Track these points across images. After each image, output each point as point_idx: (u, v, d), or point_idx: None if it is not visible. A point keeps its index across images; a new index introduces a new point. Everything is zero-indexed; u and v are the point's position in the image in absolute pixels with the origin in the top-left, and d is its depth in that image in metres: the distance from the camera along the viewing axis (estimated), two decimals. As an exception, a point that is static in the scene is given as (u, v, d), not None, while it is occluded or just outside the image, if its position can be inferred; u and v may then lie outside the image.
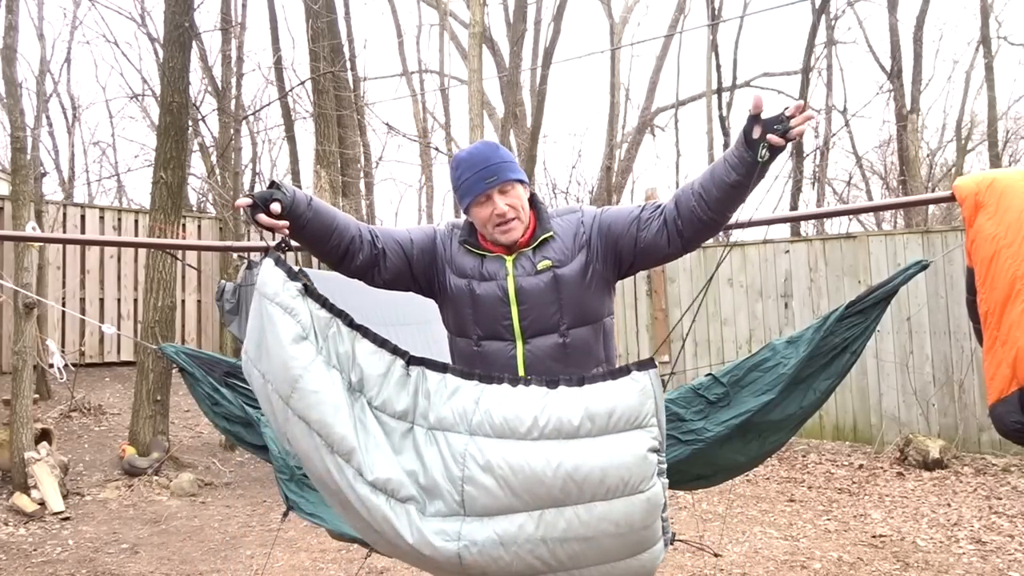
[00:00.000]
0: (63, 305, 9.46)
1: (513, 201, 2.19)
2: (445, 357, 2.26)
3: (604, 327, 2.27)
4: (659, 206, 2.19)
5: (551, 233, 2.23)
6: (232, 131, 10.23)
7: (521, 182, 2.24)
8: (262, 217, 2.01)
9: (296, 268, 2.02)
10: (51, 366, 7.13)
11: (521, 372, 2.18)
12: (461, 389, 1.96)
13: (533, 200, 2.30)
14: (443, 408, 1.94)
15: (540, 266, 2.19)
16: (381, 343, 2.00)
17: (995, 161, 12.87)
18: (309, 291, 1.99)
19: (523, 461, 1.84)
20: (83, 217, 10.20)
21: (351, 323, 2.01)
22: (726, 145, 15.43)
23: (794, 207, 14.86)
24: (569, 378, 1.93)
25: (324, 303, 1.99)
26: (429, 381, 1.98)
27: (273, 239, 2.09)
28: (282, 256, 2.05)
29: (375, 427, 1.96)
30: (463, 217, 2.33)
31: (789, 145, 1.94)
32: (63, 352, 4.42)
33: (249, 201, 2.01)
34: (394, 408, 1.97)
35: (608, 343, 2.30)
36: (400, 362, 2.00)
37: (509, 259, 2.22)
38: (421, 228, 2.35)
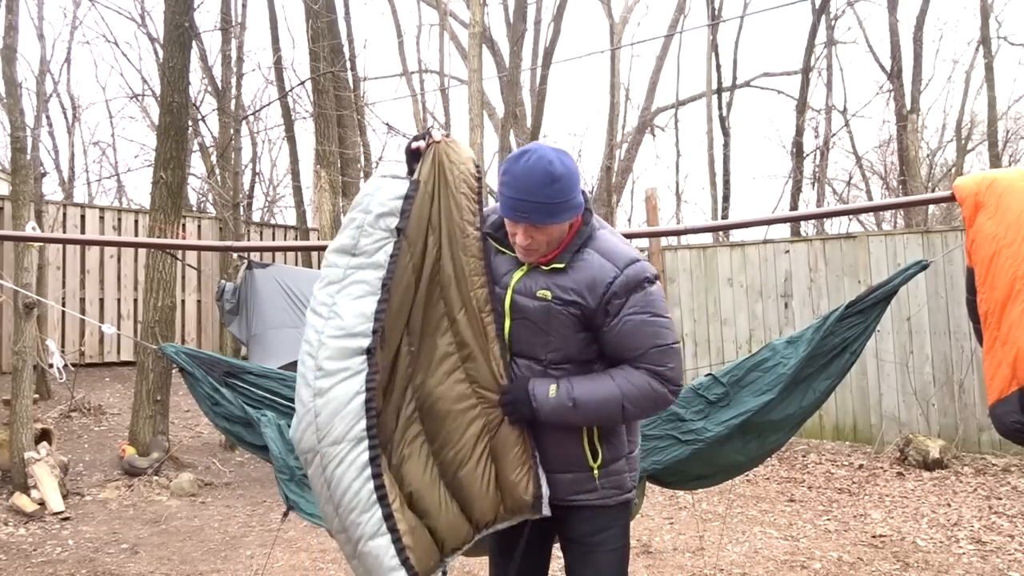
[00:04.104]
0: (63, 305, 9.46)
1: (539, 236, 2.02)
2: None
3: (594, 371, 2.11)
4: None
5: (564, 265, 2.05)
6: (232, 131, 10.23)
7: (560, 221, 2.03)
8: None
9: None
10: (51, 366, 7.13)
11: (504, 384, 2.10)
12: (353, 420, 2.01)
13: (583, 220, 2.09)
14: (333, 402, 2.01)
15: (539, 294, 2.05)
16: (377, 317, 2.05)
17: (995, 161, 12.87)
18: (404, 234, 2.09)
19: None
20: (83, 217, 10.20)
21: (385, 284, 2.07)
22: (726, 145, 15.50)
23: (794, 207, 14.88)
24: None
25: (395, 255, 2.07)
26: (354, 380, 2.02)
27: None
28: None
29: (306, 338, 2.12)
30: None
31: None
32: (63, 352, 4.42)
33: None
34: (325, 356, 2.05)
35: None
36: (367, 342, 2.04)
37: (522, 269, 2.10)
38: None
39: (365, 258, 2.09)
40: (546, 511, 2.06)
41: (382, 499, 1.97)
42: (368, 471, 1.98)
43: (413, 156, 2.19)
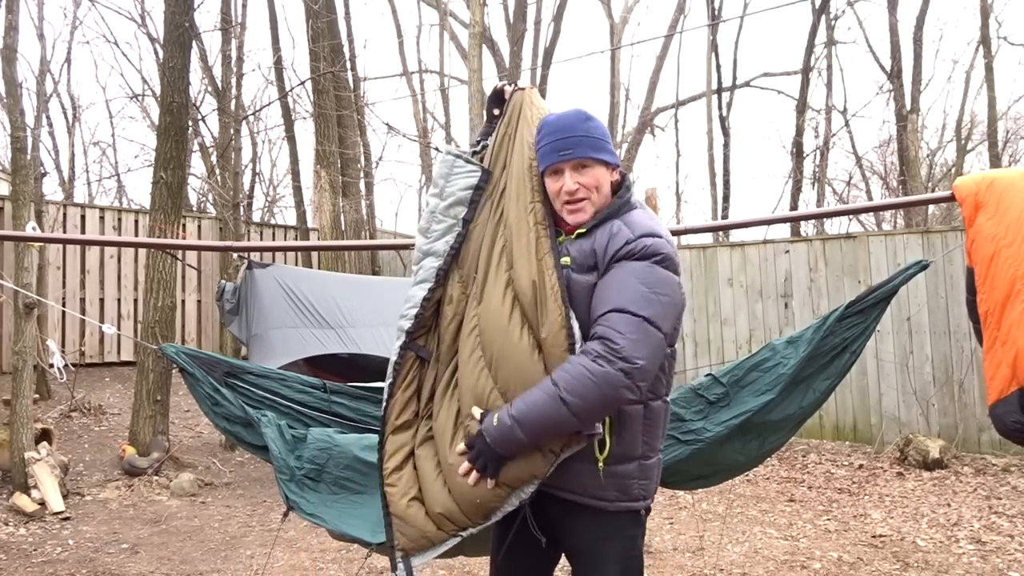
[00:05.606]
0: (63, 305, 9.46)
1: (587, 180, 1.98)
2: None
3: None
4: (594, 335, 1.86)
5: (587, 231, 1.99)
6: (232, 131, 10.22)
7: (605, 163, 2.02)
8: None
9: None
10: (51, 366, 7.13)
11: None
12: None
13: (620, 185, 2.07)
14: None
15: (563, 260, 1.98)
16: (422, 304, 2.15)
17: (995, 161, 12.89)
18: (467, 224, 2.16)
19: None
20: (83, 217, 10.20)
21: (439, 273, 2.14)
22: (726, 145, 15.50)
23: (794, 207, 14.89)
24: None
25: (456, 246, 2.14)
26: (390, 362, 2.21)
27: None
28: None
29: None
30: None
31: None
32: (63, 352, 4.42)
33: None
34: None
35: None
36: (407, 324, 2.16)
37: (559, 240, 2.04)
38: None
39: (432, 244, 2.18)
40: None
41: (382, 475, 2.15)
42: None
43: (496, 99, 2.26)
